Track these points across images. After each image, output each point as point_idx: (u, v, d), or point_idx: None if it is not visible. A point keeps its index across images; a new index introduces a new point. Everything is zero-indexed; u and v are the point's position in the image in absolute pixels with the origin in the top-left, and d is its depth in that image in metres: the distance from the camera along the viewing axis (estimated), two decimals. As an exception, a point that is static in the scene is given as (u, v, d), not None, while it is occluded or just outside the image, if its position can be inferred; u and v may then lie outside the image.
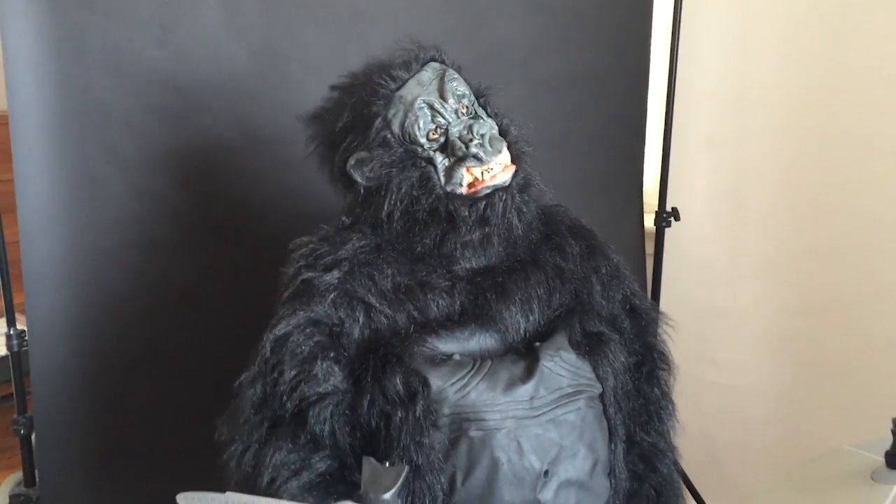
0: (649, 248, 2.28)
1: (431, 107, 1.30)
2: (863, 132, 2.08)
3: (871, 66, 2.04)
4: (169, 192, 1.76)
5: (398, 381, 1.20)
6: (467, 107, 1.33)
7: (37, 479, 1.78)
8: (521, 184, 1.32)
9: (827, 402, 2.14)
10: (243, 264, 1.79)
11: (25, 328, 1.72)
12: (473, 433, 1.21)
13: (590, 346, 1.33)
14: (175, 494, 1.65)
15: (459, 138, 1.29)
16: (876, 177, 2.07)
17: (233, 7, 1.73)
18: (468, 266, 1.33)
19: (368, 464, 0.71)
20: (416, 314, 1.27)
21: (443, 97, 1.31)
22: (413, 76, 1.32)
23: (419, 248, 1.31)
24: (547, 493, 1.22)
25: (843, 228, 2.13)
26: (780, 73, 2.18)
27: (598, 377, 1.32)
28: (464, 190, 1.28)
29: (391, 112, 1.30)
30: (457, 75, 1.35)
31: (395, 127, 1.30)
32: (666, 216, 2.21)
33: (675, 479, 1.46)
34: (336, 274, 1.28)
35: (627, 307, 1.45)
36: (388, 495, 0.68)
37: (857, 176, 2.09)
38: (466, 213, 1.27)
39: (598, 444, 1.30)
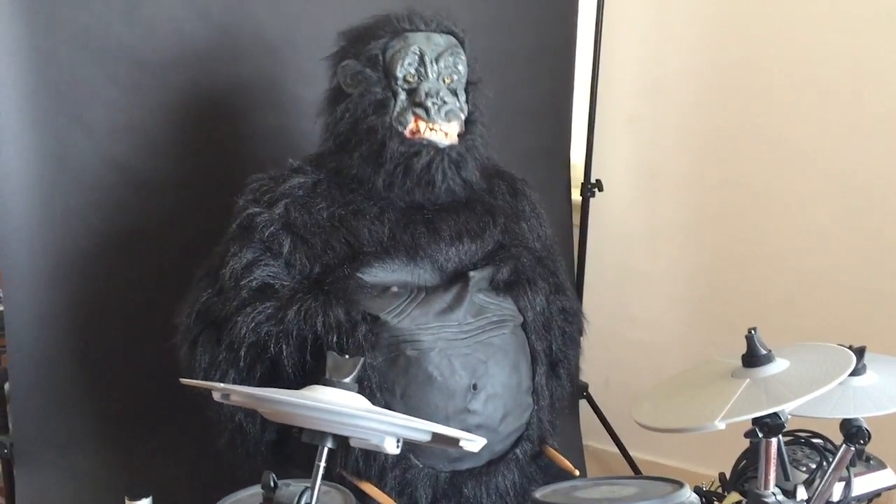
0: (575, 218, 2.46)
1: (421, 58, 1.49)
2: (763, 112, 2.29)
3: (771, 53, 2.26)
4: (133, 159, 1.85)
5: (341, 313, 1.36)
6: (453, 80, 1.52)
7: (10, 428, 1.86)
8: (454, 156, 1.49)
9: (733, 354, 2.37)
10: (201, 226, 1.82)
11: (-1, 286, 1.81)
12: (410, 352, 1.38)
13: (511, 284, 1.51)
14: (149, 442, 1.77)
15: (426, 92, 1.48)
16: (775, 152, 2.29)
17: (193, -13, 1.84)
18: (398, 202, 1.50)
19: (331, 356, 0.88)
20: (349, 238, 1.43)
21: (436, 61, 1.49)
22: (428, 32, 1.52)
23: (351, 171, 1.49)
24: (476, 404, 1.40)
25: (747, 197, 2.34)
26: (692, 60, 2.38)
27: (519, 310, 1.51)
28: (405, 132, 1.47)
29: (392, 43, 1.49)
30: (463, 57, 1.54)
31: (388, 55, 1.49)
32: (591, 187, 2.40)
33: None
34: (276, 210, 1.45)
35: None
36: (347, 379, 0.86)
37: (758, 151, 2.31)
38: (395, 149, 1.45)
39: (522, 367, 1.49)
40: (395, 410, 1.35)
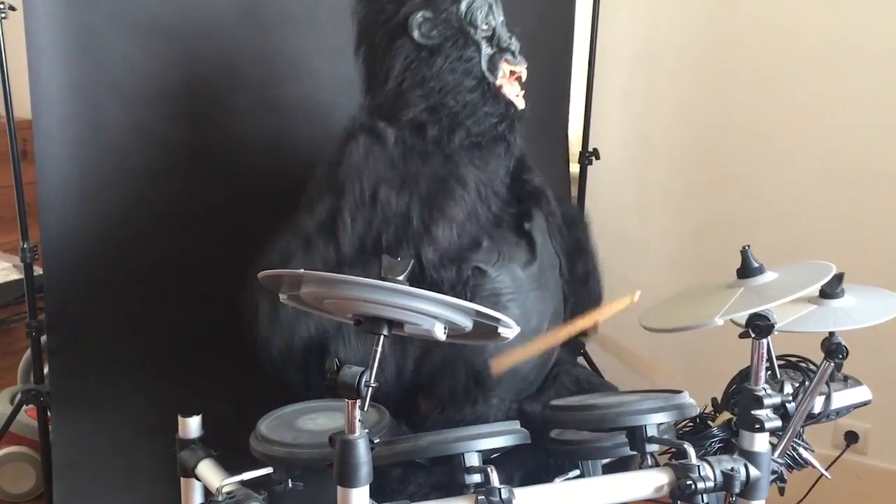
0: (573, 189, 2.58)
1: (491, 7, 1.56)
2: (751, 86, 2.42)
3: (758, 29, 2.39)
4: (163, 125, 1.94)
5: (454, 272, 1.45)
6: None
7: (44, 377, 1.96)
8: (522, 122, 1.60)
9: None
10: (224, 188, 1.99)
11: (38, 244, 1.89)
12: (509, 304, 1.49)
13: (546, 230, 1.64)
14: (181, 392, 1.85)
15: (506, 36, 1.57)
16: (762, 124, 2.43)
17: (220, -36, 1.94)
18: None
19: (385, 259, 1.01)
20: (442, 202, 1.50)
21: (498, 7, 1.58)
22: None
23: (429, 128, 1.54)
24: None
25: (737, 165, 2.47)
26: (684, 36, 2.51)
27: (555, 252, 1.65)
28: (498, 81, 1.55)
29: None
30: None
31: (463, 6, 1.54)
32: (588, 156, 2.54)
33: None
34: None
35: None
36: (401, 277, 0.99)
37: (745, 122, 2.45)
38: (489, 111, 1.54)
39: (561, 301, 1.64)
40: (487, 359, 1.46)
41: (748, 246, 1.28)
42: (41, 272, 1.89)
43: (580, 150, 2.56)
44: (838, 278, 1.35)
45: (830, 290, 1.34)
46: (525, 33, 2.33)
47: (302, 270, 0.97)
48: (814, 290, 1.27)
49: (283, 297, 1.04)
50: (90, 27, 1.84)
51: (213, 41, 1.98)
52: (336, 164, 1.53)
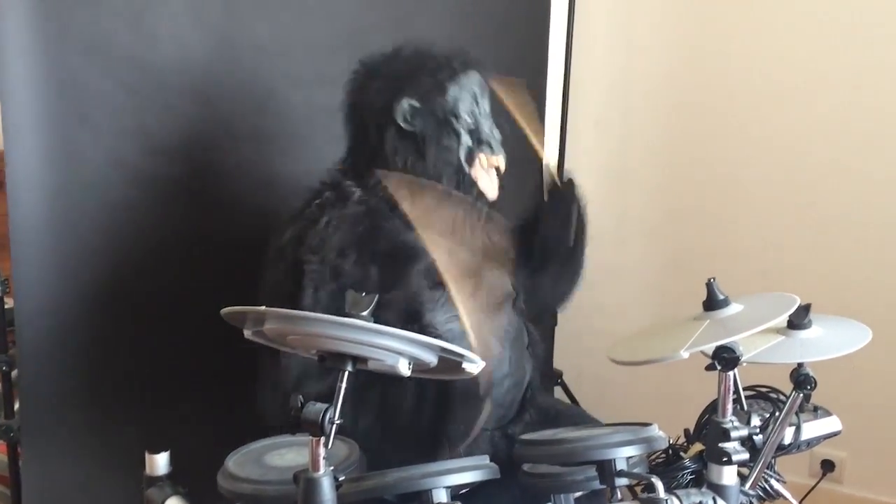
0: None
1: (476, 99, 1.61)
2: (723, 119, 2.48)
3: (737, 60, 2.44)
4: (135, 158, 1.93)
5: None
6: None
7: (15, 413, 1.93)
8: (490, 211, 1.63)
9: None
10: (198, 220, 2.00)
11: (9, 277, 1.87)
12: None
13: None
14: (153, 431, 1.83)
15: (487, 129, 1.63)
16: (733, 154, 2.47)
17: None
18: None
19: (350, 294, 1.01)
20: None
21: (483, 99, 1.63)
22: (470, 72, 1.63)
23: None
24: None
25: (710, 196, 2.51)
26: (658, 69, 2.56)
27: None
28: (474, 172, 1.60)
29: (451, 86, 1.59)
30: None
31: (449, 98, 1.58)
32: (563, 186, 2.55)
33: None
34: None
35: None
36: (365, 313, 0.99)
37: (720, 153, 2.49)
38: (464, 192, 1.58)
39: (524, 329, 1.67)
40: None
41: (713, 278, 1.29)
42: (12, 305, 1.88)
43: (555, 180, 2.56)
44: (805, 309, 1.36)
45: (798, 321, 1.35)
46: (499, 64, 2.40)
47: (264, 308, 0.97)
48: (781, 321, 1.28)
49: (247, 333, 1.04)
50: (64, 60, 1.84)
51: (185, 74, 1.98)
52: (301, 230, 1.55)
